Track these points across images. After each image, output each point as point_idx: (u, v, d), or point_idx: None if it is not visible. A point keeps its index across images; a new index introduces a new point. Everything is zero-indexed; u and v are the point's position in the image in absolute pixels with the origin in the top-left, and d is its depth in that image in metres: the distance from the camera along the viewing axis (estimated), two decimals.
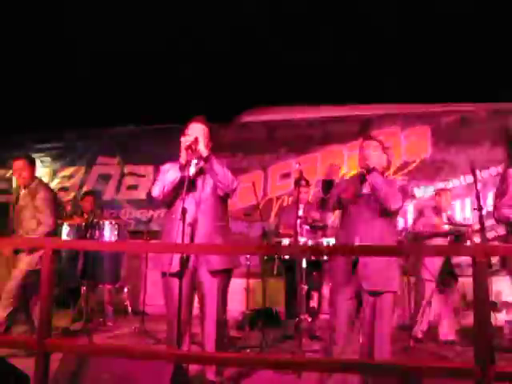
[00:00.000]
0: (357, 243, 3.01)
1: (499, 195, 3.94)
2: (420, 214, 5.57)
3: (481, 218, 3.36)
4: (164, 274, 3.06)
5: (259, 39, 6.90)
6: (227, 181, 3.17)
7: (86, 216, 5.79)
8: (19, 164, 4.32)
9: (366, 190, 3.20)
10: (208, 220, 3.16)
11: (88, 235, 5.23)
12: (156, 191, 3.22)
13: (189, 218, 3.04)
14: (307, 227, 4.91)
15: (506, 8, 6.12)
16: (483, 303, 1.82)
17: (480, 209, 3.35)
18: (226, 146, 7.20)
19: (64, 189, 7.50)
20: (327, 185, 3.25)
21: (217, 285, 3.10)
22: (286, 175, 6.90)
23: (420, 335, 4.97)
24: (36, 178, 4.48)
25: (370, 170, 3.14)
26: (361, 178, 3.23)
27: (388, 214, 3.12)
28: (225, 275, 3.18)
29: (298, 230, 4.73)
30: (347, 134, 6.83)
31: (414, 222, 5.50)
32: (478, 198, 3.43)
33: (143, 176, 7.48)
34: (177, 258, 2.96)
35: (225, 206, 3.37)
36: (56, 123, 7.18)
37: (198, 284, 3.13)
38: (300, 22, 6.61)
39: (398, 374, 1.85)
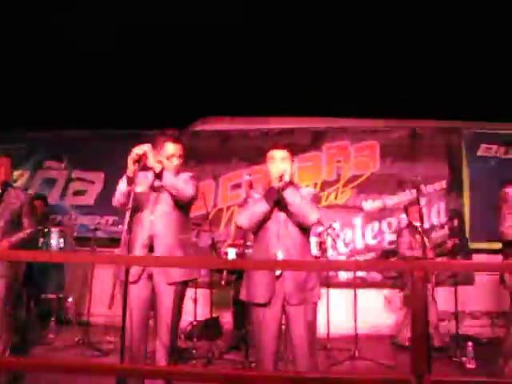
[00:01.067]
0: (280, 257, 2.98)
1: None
2: (399, 235, 5.79)
3: (422, 232, 3.50)
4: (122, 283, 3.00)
5: (215, 49, 6.91)
6: (180, 193, 3.15)
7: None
8: None
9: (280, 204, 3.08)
10: (169, 233, 3.15)
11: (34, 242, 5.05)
12: (113, 200, 3.26)
13: (150, 231, 3.09)
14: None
15: (449, 28, 6.40)
16: (420, 315, 1.89)
17: (421, 222, 3.48)
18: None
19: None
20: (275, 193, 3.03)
21: (173, 295, 3.07)
22: (237, 185, 6.92)
23: (407, 343, 5.10)
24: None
25: (284, 186, 3.01)
26: (273, 193, 3.04)
27: (304, 229, 3.10)
28: (181, 286, 3.16)
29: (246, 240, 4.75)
30: (298, 146, 6.93)
31: (399, 246, 5.69)
32: (420, 213, 3.56)
33: (92, 182, 7.30)
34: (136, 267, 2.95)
35: (186, 219, 3.35)
36: (3, 125, 6.91)
37: (154, 294, 3.11)
38: (253, 33, 6.65)
39: None
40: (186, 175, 3.35)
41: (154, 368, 2.56)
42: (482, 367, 4.55)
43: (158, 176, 3.14)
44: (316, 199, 3.27)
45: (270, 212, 3.05)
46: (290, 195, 3.00)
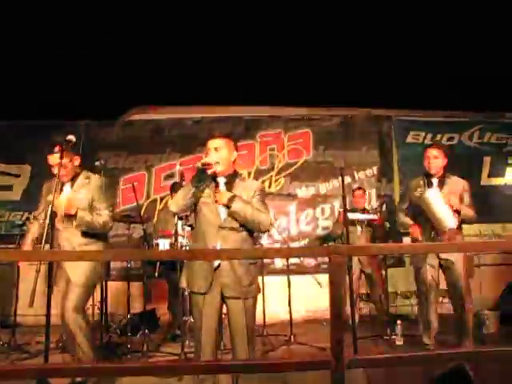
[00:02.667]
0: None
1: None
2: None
3: (345, 218, 3.59)
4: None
5: (146, 37, 6.72)
6: None
7: None
8: None
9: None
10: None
11: None
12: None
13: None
14: (188, 228, 4.88)
15: (382, 15, 6.55)
16: (337, 299, 1.93)
17: (345, 210, 3.58)
18: (111, 145, 6.96)
19: None
20: (201, 174, 3.00)
21: None
22: (170, 176, 6.81)
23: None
24: None
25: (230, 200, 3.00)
26: (199, 175, 3.02)
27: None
28: None
29: (180, 231, 4.71)
30: (232, 135, 6.90)
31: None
32: (344, 199, 3.66)
33: (18, 176, 6.95)
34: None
35: None
36: None
37: None
38: (184, 19, 6.52)
39: (258, 372, 1.90)
40: None
41: (79, 366, 2.46)
42: (410, 343, 4.78)
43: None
44: (264, 196, 3.23)
45: (197, 194, 3.03)
46: (239, 209, 3.00)
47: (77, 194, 3.80)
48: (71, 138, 3.69)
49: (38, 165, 6.72)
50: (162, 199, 6.80)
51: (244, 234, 3.08)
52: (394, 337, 4.98)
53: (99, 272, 3.87)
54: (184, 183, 4.67)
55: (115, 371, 2.38)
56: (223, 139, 3.16)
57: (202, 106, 7.14)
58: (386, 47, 6.79)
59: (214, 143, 3.12)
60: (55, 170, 3.70)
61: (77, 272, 3.68)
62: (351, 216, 5.32)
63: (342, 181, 3.79)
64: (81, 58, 6.74)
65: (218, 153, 3.09)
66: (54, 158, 3.75)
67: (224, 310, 3.12)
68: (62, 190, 3.80)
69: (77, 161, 3.91)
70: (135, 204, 5.44)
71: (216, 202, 3.03)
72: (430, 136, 7.23)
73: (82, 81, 6.87)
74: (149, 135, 7.07)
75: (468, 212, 4.17)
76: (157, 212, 6.74)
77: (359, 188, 6.20)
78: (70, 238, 3.76)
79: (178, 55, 6.86)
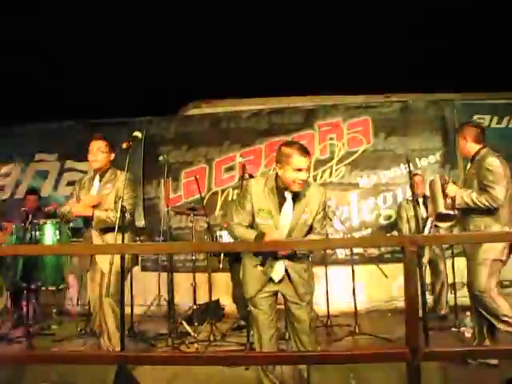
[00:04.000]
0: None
1: None
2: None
3: (415, 207, 3.49)
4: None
5: (205, 32, 6.83)
6: None
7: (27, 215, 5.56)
8: None
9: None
10: None
11: (28, 236, 5.05)
12: None
13: None
14: None
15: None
16: (412, 289, 1.90)
17: (414, 199, 3.47)
18: (170, 139, 7.13)
19: None
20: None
21: None
22: (231, 168, 6.89)
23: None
24: None
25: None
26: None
27: None
28: None
29: None
30: (291, 126, 6.91)
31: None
32: (412, 187, 3.55)
33: (85, 172, 7.26)
34: None
35: None
36: None
37: None
38: (238, 14, 6.57)
39: (333, 363, 1.90)
40: None
41: (153, 355, 2.57)
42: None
43: None
44: (326, 207, 3.15)
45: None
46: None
47: (104, 189, 4.02)
48: (137, 134, 3.86)
49: None
50: (223, 191, 6.90)
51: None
52: (462, 329, 4.83)
53: (128, 259, 4.01)
54: (246, 176, 4.70)
55: (181, 361, 2.44)
56: (311, 157, 3.05)
57: (258, 98, 7.16)
58: (444, 28, 6.54)
59: (306, 162, 2.92)
60: (91, 157, 4.02)
61: (105, 261, 3.82)
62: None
63: (408, 167, 3.68)
64: (139, 56, 6.94)
65: (308, 173, 2.95)
66: (97, 144, 4.04)
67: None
68: (92, 184, 4.08)
69: (112, 155, 4.14)
70: (198, 196, 5.55)
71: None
72: (496, 119, 6.89)
73: (140, 77, 7.08)
74: (207, 129, 7.16)
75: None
76: (219, 204, 6.84)
77: (417, 174, 6.02)
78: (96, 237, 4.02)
79: (233, 48, 6.91)
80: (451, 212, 3.72)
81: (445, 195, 3.77)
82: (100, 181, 4.07)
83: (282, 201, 3.00)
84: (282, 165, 2.93)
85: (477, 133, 3.91)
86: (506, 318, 3.55)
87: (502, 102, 6.87)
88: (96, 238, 4.01)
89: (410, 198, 5.58)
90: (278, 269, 3.03)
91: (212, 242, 5.22)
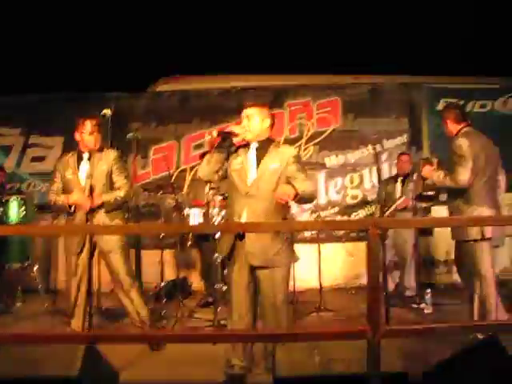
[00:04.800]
0: (243, 219, 3.02)
1: None
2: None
3: (379, 188, 3.59)
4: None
5: (172, 7, 6.69)
6: None
7: None
8: None
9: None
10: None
11: None
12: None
13: None
14: (220, 197, 4.96)
15: None
16: (375, 270, 1.98)
17: (379, 180, 3.56)
18: (139, 116, 7.03)
19: None
20: (223, 140, 3.09)
21: None
22: (200, 146, 6.86)
23: None
24: None
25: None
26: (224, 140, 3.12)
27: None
28: None
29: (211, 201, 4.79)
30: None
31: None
32: (378, 169, 3.64)
33: (51, 147, 7.10)
34: None
35: None
36: None
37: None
38: None
39: (293, 341, 1.97)
40: None
41: (123, 333, 2.59)
42: (439, 312, 4.83)
43: None
44: (301, 161, 3.23)
45: (223, 160, 3.11)
46: (305, 192, 2.98)
47: (95, 168, 3.85)
48: (106, 111, 3.79)
49: (69, 136, 6.85)
50: (192, 169, 6.88)
51: (273, 204, 3.03)
52: (422, 305, 5.02)
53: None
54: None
55: (159, 338, 2.50)
56: (255, 107, 3.18)
57: (228, 76, 7.11)
58: (412, 10, 6.61)
59: (246, 112, 3.17)
60: (84, 138, 3.86)
61: (109, 242, 3.85)
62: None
63: (374, 150, 3.77)
64: (108, 30, 6.76)
65: (250, 121, 3.13)
66: (86, 125, 3.87)
67: None
68: (78, 165, 3.91)
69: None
70: (166, 173, 5.53)
71: (281, 199, 2.94)
72: (461, 103, 7.05)
73: (109, 52, 6.91)
74: (177, 105, 7.09)
75: None
76: (187, 182, 6.83)
77: (404, 153, 6.10)
78: (98, 216, 3.86)
79: (204, 24, 6.81)
80: (430, 193, 3.88)
81: (422, 176, 3.92)
82: (89, 159, 3.88)
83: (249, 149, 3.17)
84: None
85: (455, 113, 4.02)
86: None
87: (468, 86, 7.03)
88: (101, 217, 3.87)
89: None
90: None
91: (180, 223, 5.21)
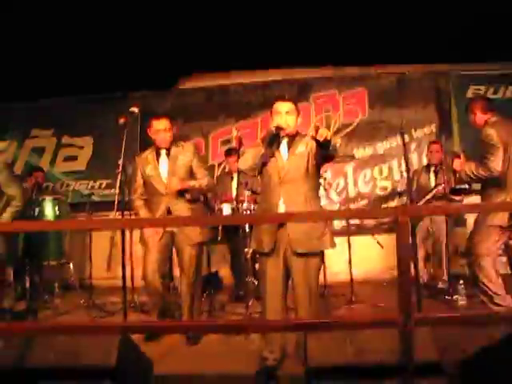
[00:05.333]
0: (281, 209, 3.03)
1: None
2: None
3: (408, 178, 3.56)
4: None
5: (197, 4, 6.71)
6: None
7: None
8: None
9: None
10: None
11: (28, 213, 5.09)
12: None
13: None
14: (248, 193, 4.99)
15: None
16: (405, 257, 1.97)
17: (408, 170, 3.53)
18: (166, 113, 7.08)
19: None
20: (273, 137, 3.06)
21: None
22: (227, 141, 6.91)
23: None
24: None
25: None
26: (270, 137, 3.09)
27: (311, 174, 3.13)
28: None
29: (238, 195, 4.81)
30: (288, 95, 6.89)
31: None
32: (406, 160, 3.61)
33: (81, 147, 7.28)
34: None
35: None
36: None
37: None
38: None
39: (324, 330, 1.98)
40: None
41: (154, 324, 2.66)
42: (474, 304, 4.73)
43: None
44: None
45: (269, 156, 3.09)
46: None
47: (175, 161, 3.95)
48: (134, 109, 3.87)
49: (99, 136, 7.03)
50: (219, 165, 6.94)
51: (307, 187, 3.09)
52: (456, 297, 4.94)
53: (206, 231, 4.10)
54: (242, 148, 4.76)
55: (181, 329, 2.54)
56: (292, 103, 3.17)
57: (253, 71, 7.13)
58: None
59: (284, 106, 3.13)
60: (160, 135, 3.90)
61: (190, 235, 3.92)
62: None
63: (403, 140, 3.73)
64: (132, 30, 6.84)
65: (290, 116, 3.12)
66: (163, 123, 3.91)
67: None
68: (158, 161, 3.98)
69: (175, 128, 4.09)
70: None
71: (317, 138, 2.86)
72: (491, 89, 6.90)
73: (134, 52, 6.99)
74: (202, 102, 7.17)
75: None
76: (215, 177, 6.89)
77: (435, 142, 5.99)
78: (177, 202, 3.92)
79: (227, 20, 6.81)
80: (463, 186, 3.84)
81: (453, 170, 3.90)
82: (167, 154, 3.99)
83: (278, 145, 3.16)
84: (271, 118, 3.20)
85: (482, 104, 4.02)
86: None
87: (498, 72, 6.88)
88: (183, 209, 3.93)
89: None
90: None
91: (212, 216, 5.27)
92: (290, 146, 3.17)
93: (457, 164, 3.90)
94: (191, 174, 4.02)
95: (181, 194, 3.91)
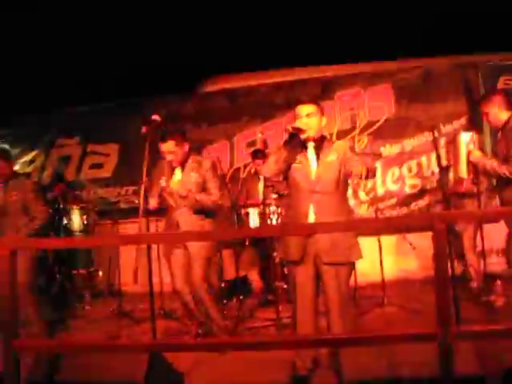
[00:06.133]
0: (311, 219, 2.96)
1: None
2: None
3: (442, 176, 3.42)
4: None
5: (217, 6, 6.70)
6: None
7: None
8: None
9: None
10: None
11: (56, 222, 5.15)
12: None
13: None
14: (274, 196, 4.92)
15: None
16: (443, 270, 1.87)
17: (441, 168, 3.39)
18: (189, 118, 7.10)
19: (26, 175, 7.30)
20: (292, 139, 2.99)
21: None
22: (252, 143, 6.84)
23: None
24: (16, 172, 4.46)
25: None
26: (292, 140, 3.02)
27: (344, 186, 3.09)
28: None
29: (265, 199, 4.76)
30: (310, 97, 6.77)
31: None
32: (438, 157, 3.47)
33: (107, 154, 7.32)
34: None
35: None
36: (12, 108, 6.91)
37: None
38: None
39: (361, 345, 1.90)
40: None
41: (183, 342, 2.61)
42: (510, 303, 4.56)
43: None
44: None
45: (293, 161, 3.03)
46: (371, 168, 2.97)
47: (188, 177, 3.99)
48: (155, 117, 3.84)
49: (124, 142, 7.07)
50: (245, 167, 6.88)
51: (338, 197, 3.04)
52: (492, 297, 4.76)
53: (215, 245, 4.19)
54: (267, 150, 4.72)
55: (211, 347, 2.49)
56: (314, 105, 3.12)
57: (275, 71, 7.04)
58: None
59: (305, 109, 3.09)
60: (168, 157, 3.97)
61: (196, 246, 3.91)
62: None
63: (433, 136, 3.59)
64: (152, 35, 6.85)
65: (310, 119, 3.06)
66: (166, 146, 3.95)
67: None
68: (173, 173, 4.04)
69: (187, 146, 4.06)
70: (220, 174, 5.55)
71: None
72: None
73: (158, 56, 7.01)
74: (226, 104, 7.11)
75: None
76: (241, 180, 6.83)
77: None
78: (185, 216, 3.96)
79: (247, 21, 6.77)
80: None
81: (468, 161, 3.72)
82: (182, 170, 4.05)
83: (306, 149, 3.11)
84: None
85: (505, 99, 3.79)
86: None
87: None
88: (194, 222, 3.96)
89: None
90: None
91: (240, 228, 5.20)
92: (317, 152, 3.10)
93: (475, 155, 3.71)
94: (204, 191, 4.02)
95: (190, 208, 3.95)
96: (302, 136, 3.01)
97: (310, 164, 3.07)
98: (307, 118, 3.06)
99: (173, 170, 4.06)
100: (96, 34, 6.64)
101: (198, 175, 4.01)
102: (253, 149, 6.30)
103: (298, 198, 3.07)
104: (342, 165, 3.04)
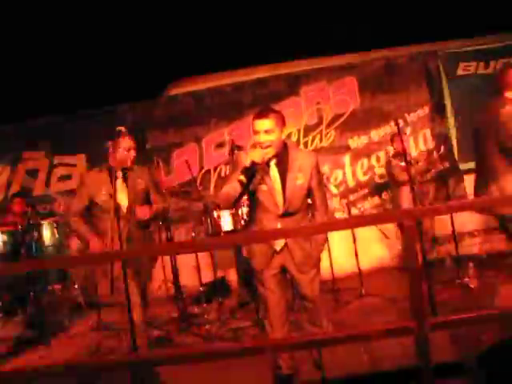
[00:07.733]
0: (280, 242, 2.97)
1: None
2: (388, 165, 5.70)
3: (408, 168, 3.47)
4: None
5: (173, 11, 6.64)
6: None
7: (17, 219, 5.52)
8: None
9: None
10: None
11: (26, 239, 5.03)
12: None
13: None
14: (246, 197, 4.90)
15: None
16: (414, 265, 1.90)
17: (406, 161, 3.45)
18: (157, 123, 7.02)
19: None
20: (250, 172, 2.78)
21: None
22: (220, 144, 6.82)
23: None
24: None
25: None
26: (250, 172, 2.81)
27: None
28: None
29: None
30: (276, 94, 6.81)
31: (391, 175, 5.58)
32: (404, 150, 3.52)
33: (74, 165, 7.17)
34: None
35: None
36: None
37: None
38: None
39: (334, 344, 1.93)
40: None
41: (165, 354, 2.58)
42: (484, 284, 4.68)
43: None
44: (319, 170, 3.09)
45: (246, 190, 2.86)
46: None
47: (136, 184, 3.66)
48: (121, 128, 3.71)
49: (91, 152, 6.93)
50: (215, 169, 6.85)
51: (303, 209, 3.04)
52: (466, 280, 4.87)
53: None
54: (236, 151, 4.67)
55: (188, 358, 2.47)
56: (272, 118, 2.86)
57: (239, 70, 7.02)
58: None
59: (262, 125, 2.84)
60: (121, 155, 3.56)
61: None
62: None
63: (397, 125, 3.63)
64: (116, 42, 6.75)
65: (270, 135, 2.83)
66: (126, 142, 3.61)
67: None
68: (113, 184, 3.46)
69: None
70: (191, 177, 5.55)
71: None
72: (482, 65, 6.81)
73: (118, 64, 6.91)
74: (192, 107, 7.05)
75: None
76: (212, 183, 6.81)
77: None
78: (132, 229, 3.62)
79: (208, 21, 6.74)
80: None
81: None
82: (124, 176, 3.62)
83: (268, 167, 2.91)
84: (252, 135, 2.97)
85: None
86: None
87: (487, 46, 6.77)
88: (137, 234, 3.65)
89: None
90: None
91: (212, 238, 5.15)
92: (281, 169, 2.93)
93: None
94: (147, 198, 3.73)
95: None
96: (259, 163, 2.79)
97: (275, 187, 2.93)
98: (266, 134, 2.83)
99: (112, 180, 3.47)
100: (53, 45, 6.50)
101: (141, 181, 3.71)
102: (223, 151, 6.31)
103: (262, 218, 2.99)
104: (309, 186, 2.98)
